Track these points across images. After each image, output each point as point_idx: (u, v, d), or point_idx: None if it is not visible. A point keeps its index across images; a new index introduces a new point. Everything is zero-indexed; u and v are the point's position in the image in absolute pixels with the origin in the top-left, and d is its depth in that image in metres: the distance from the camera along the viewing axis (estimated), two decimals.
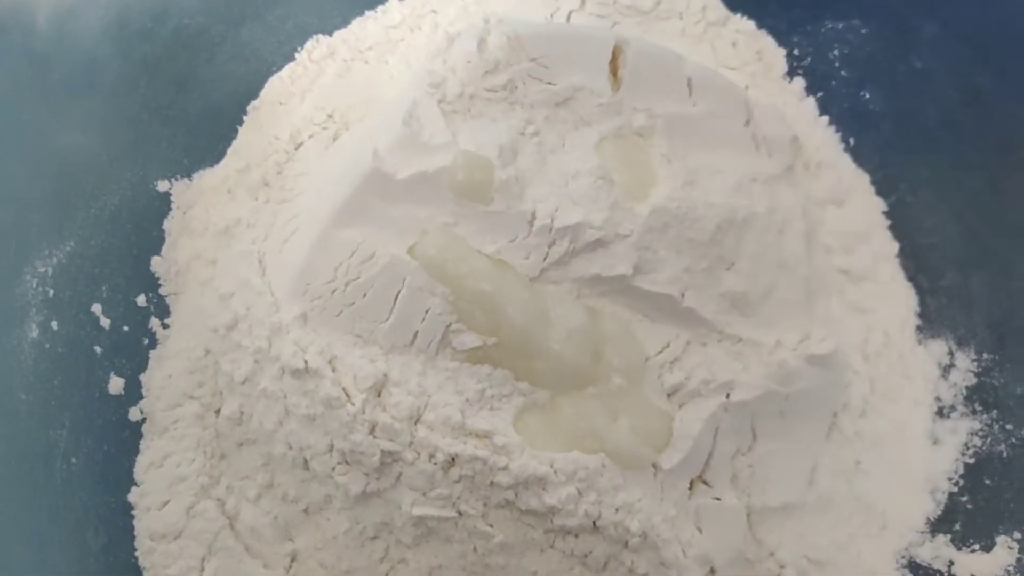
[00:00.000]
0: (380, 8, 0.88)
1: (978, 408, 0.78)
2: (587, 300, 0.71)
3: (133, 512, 0.73)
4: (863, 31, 0.85)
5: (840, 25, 0.86)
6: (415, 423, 0.67)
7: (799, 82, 0.88)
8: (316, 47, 0.86)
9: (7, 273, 0.68)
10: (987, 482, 0.74)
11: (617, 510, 0.66)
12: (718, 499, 0.71)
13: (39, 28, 0.69)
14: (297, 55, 0.86)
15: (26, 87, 0.70)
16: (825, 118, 0.87)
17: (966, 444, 0.77)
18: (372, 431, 0.66)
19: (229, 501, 0.73)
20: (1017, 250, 0.79)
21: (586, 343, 0.69)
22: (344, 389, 0.66)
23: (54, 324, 0.71)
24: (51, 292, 0.71)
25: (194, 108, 0.81)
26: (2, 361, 0.67)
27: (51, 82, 0.71)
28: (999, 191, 0.80)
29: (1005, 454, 0.74)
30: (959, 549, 0.72)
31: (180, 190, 0.81)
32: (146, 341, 0.78)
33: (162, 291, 0.80)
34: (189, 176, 0.82)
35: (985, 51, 0.79)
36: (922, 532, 0.74)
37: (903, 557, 0.74)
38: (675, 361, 0.72)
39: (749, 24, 0.88)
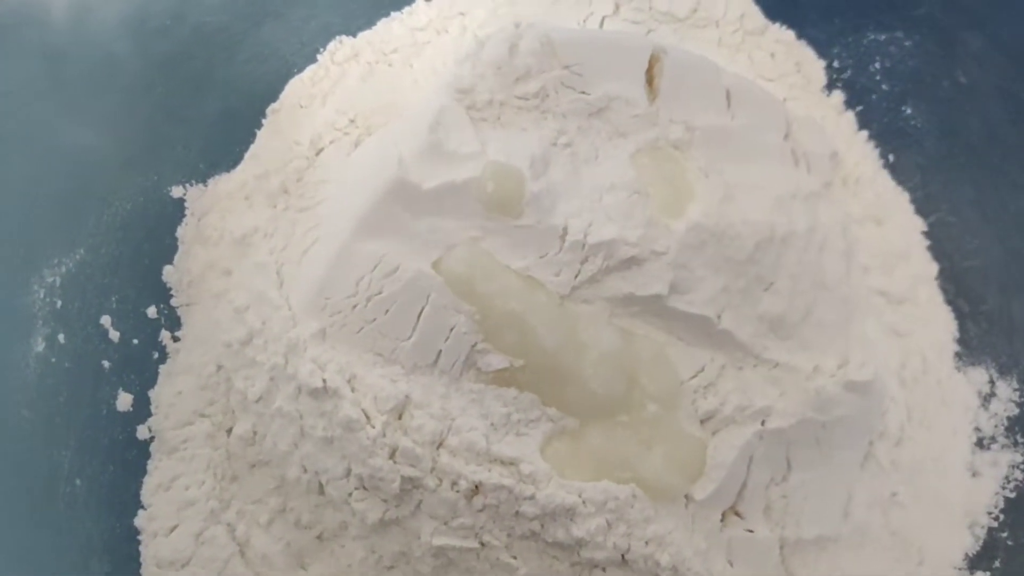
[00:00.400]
0: (406, 9, 0.85)
1: (1020, 440, 0.75)
2: (619, 320, 0.68)
3: (139, 537, 0.70)
4: (906, 44, 0.83)
5: (882, 37, 0.84)
6: (437, 448, 0.64)
7: (838, 95, 0.85)
8: (339, 48, 0.84)
9: (13, 284, 0.66)
10: None
11: (647, 543, 0.64)
12: (751, 531, 0.68)
13: (54, 22, 0.66)
14: (319, 56, 0.83)
15: (39, 84, 0.67)
16: (864, 133, 0.85)
17: (1007, 477, 0.75)
18: (392, 456, 0.63)
19: (240, 527, 0.70)
20: None
21: (619, 369, 0.66)
22: (364, 411, 0.64)
23: (61, 337, 0.68)
24: (59, 303, 0.68)
25: (211, 110, 0.78)
26: (5, 376, 0.64)
27: (65, 79, 0.68)
28: None
29: None
30: None
31: (195, 196, 0.78)
32: (156, 355, 0.75)
33: (174, 302, 0.77)
34: (204, 182, 0.79)
35: None
36: (960, 569, 0.72)
37: None
38: (709, 386, 0.69)
39: (788, 34, 0.86)
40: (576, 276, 0.66)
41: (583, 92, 0.71)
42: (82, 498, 0.66)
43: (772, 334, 0.70)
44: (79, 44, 0.68)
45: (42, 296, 0.67)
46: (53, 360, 0.67)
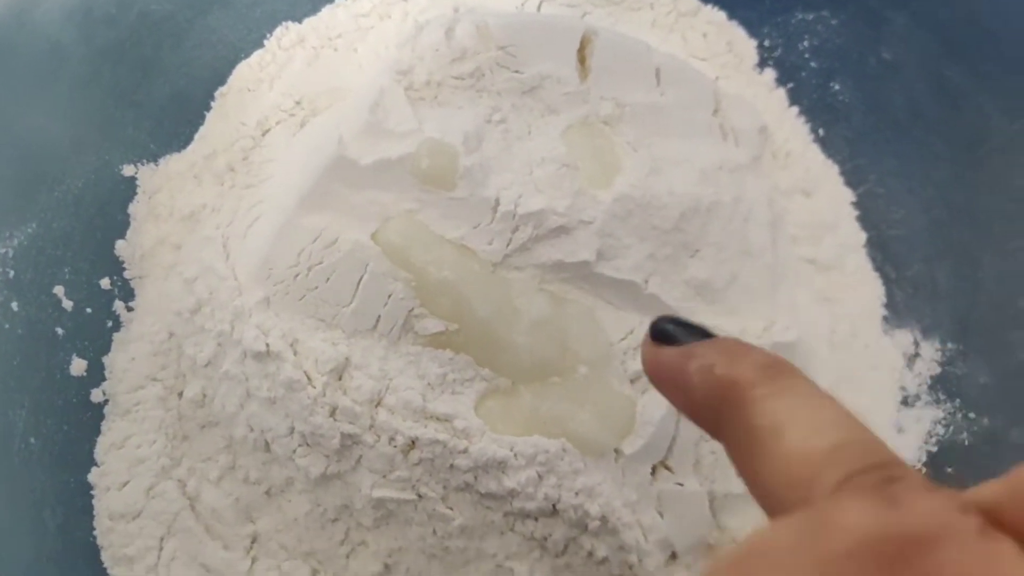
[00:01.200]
0: None
1: (941, 397, 0.78)
2: (550, 286, 0.71)
3: (92, 492, 0.73)
4: (833, 22, 0.86)
5: (810, 16, 0.87)
6: (376, 406, 0.67)
7: (770, 73, 0.88)
8: (285, 34, 0.86)
9: None
10: (948, 470, 0.75)
11: (577, 494, 0.66)
12: (680, 484, 0.71)
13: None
14: (266, 42, 0.86)
15: None
16: (795, 109, 0.88)
17: (929, 433, 0.78)
18: (332, 414, 0.66)
19: (190, 482, 0.73)
20: (982, 242, 0.80)
21: (551, 335, 0.69)
22: (305, 372, 0.67)
23: (14, 305, 0.71)
24: (11, 273, 0.71)
25: (160, 94, 0.81)
26: None
27: (12, 69, 0.71)
28: (966, 183, 0.80)
29: (967, 442, 0.75)
30: None
31: (146, 175, 0.81)
32: (109, 324, 0.78)
33: (126, 275, 0.80)
34: (155, 161, 0.82)
35: (954, 44, 0.80)
36: None
37: None
38: (638, 348, 0.71)
39: (720, 15, 0.89)
40: (508, 245, 0.69)
41: (517, 72, 0.74)
42: (36, 455, 0.69)
43: (699, 298, 0.73)
44: (26, 35, 0.71)
45: None
46: (7, 326, 0.70)
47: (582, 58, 0.76)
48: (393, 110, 0.72)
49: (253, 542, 0.72)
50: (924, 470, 0.77)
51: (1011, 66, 0.77)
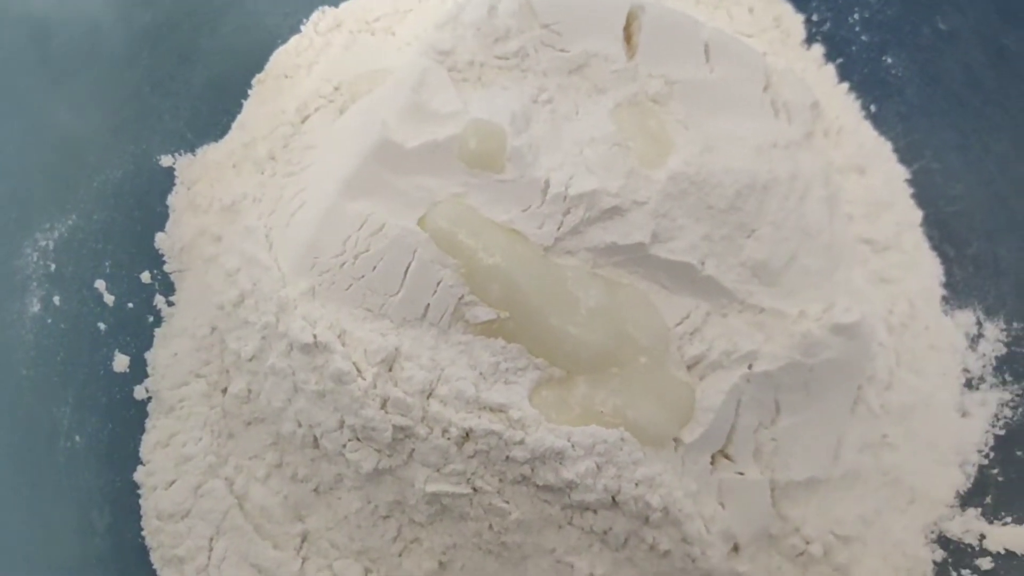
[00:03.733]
0: None
1: (1008, 379, 0.76)
2: (603, 270, 0.69)
3: (139, 491, 0.72)
4: None
5: None
6: (428, 397, 0.65)
7: (818, 48, 0.87)
8: (322, 19, 0.85)
9: (7, 246, 0.67)
10: (1019, 454, 0.72)
11: (637, 485, 0.65)
12: (741, 474, 0.69)
13: None
14: (303, 27, 0.85)
15: (25, 57, 0.68)
16: (845, 84, 0.86)
17: (996, 416, 0.75)
18: (384, 406, 0.65)
19: (238, 481, 0.72)
20: None
21: (608, 324, 0.67)
22: (354, 364, 0.65)
23: (56, 299, 0.70)
24: (53, 267, 0.70)
25: (198, 81, 0.79)
26: (3, 335, 0.66)
27: (51, 51, 0.69)
28: None
29: None
30: (991, 522, 0.71)
31: (184, 165, 0.80)
32: (151, 319, 0.77)
33: (167, 268, 0.79)
34: (193, 151, 0.81)
35: (1010, 10, 0.78)
36: (952, 506, 0.73)
37: (932, 532, 0.73)
38: (695, 332, 0.70)
39: None
40: (559, 228, 0.67)
41: (562, 50, 0.72)
42: (82, 454, 0.68)
43: (756, 280, 0.71)
44: (63, 17, 0.70)
45: (35, 259, 0.69)
46: (49, 321, 0.69)
47: (628, 35, 0.74)
48: (437, 91, 0.70)
49: (303, 541, 0.71)
50: (992, 454, 0.74)
51: None
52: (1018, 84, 0.78)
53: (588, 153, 0.69)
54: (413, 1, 0.84)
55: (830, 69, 0.86)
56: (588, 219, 0.67)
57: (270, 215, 0.73)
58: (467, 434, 0.64)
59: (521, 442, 0.64)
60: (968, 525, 0.71)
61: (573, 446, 0.64)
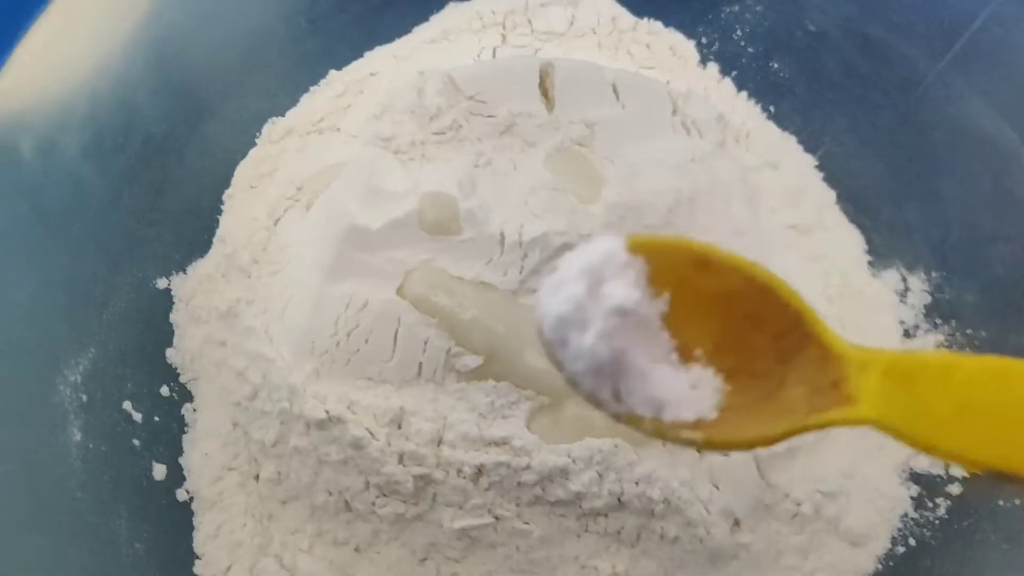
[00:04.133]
0: (323, 82, 0.93)
1: (938, 322, 0.85)
2: None
3: None
4: (757, 8, 0.94)
5: (736, 8, 0.94)
6: (438, 445, 0.72)
7: (713, 67, 0.95)
8: (273, 129, 0.91)
9: (43, 387, 0.73)
10: None
11: (637, 483, 0.71)
12: (726, 455, 0.75)
13: (25, 160, 0.74)
14: (257, 140, 0.91)
15: (21, 218, 0.75)
16: (744, 93, 0.94)
17: None
18: (401, 460, 0.71)
19: (286, 556, 0.77)
20: (938, 173, 0.86)
21: None
22: (367, 429, 0.71)
23: (93, 425, 0.75)
24: (84, 397, 0.75)
25: (175, 207, 0.85)
26: (56, 466, 0.72)
27: (43, 207, 0.76)
28: (911, 124, 0.87)
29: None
30: None
31: (179, 284, 0.86)
32: (175, 426, 0.82)
33: (182, 379, 0.84)
34: (184, 270, 0.87)
35: (868, 4, 0.88)
36: None
37: (904, 471, 0.80)
38: None
39: (657, 25, 0.95)
40: (520, 272, 0.74)
41: (490, 116, 0.79)
42: (143, 559, 0.73)
43: None
44: (50, 175, 0.76)
45: (68, 394, 0.74)
46: (91, 446, 0.74)
47: (544, 91, 0.81)
48: (388, 174, 0.77)
49: None
50: None
51: (923, 13, 0.84)
52: (888, 66, 0.88)
53: (532, 202, 0.75)
54: (350, 97, 0.90)
55: (727, 83, 0.95)
56: (544, 259, 0.74)
57: (264, 313, 0.78)
58: (480, 469, 0.71)
59: (528, 467, 0.70)
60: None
61: (574, 461, 0.70)
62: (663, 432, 0.49)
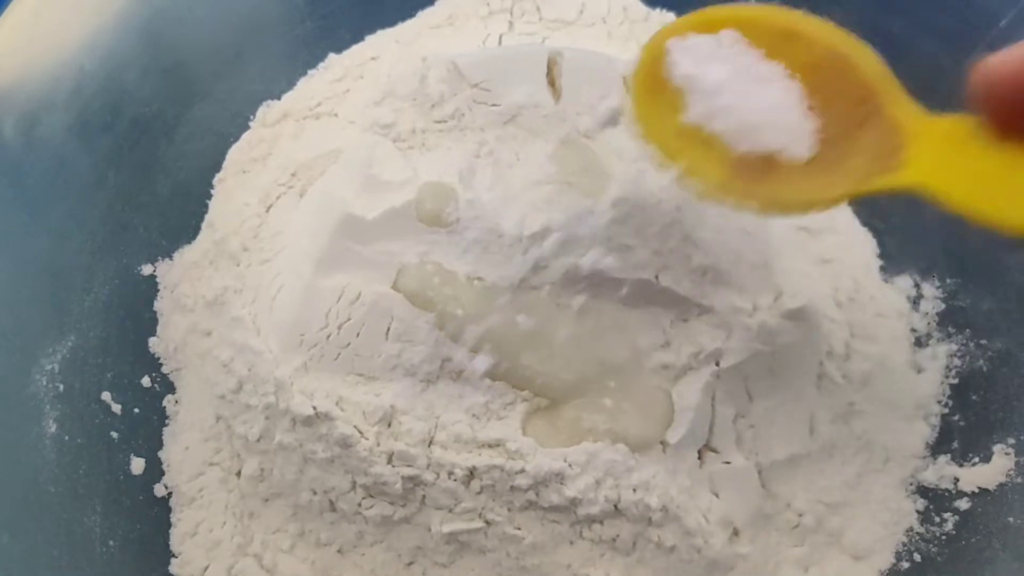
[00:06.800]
0: (321, 65, 0.91)
1: (951, 331, 0.82)
2: (568, 299, 0.73)
3: None
4: (776, 3, 0.90)
5: (752, 2, 0.90)
6: (429, 445, 0.69)
7: None
8: (268, 112, 0.89)
9: (18, 375, 0.70)
10: (974, 398, 0.78)
11: (635, 490, 0.69)
12: (728, 463, 0.74)
13: (5, 139, 0.71)
14: (251, 123, 0.89)
15: (1, 197, 0.72)
16: None
17: (947, 367, 0.81)
18: (390, 460, 0.69)
19: (266, 556, 0.74)
20: None
21: (579, 354, 0.71)
22: (356, 427, 0.69)
23: (69, 416, 0.73)
24: (61, 387, 0.73)
25: (163, 190, 0.83)
26: (28, 458, 0.69)
27: (25, 188, 0.73)
28: None
29: (984, 368, 0.78)
30: (961, 465, 0.76)
31: (164, 270, 0.84)
32: (156, 419, 0.80)
33: (164, 369, 0.82)
34: (170, 256, 0.85)
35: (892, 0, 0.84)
36: (924, 457, 0.78)
37: (911, 484, 0.78)
38: (662, 342, 0.74)
39: (669, 16, 0.92)
40: (519, 268, 0.71)
41: (494, 105, 0.77)
42: (117, 557, 0.71)
43: (709, 283, 0.76)
44: (33, 154, 0.74)
45: (44, 383, 0.72)
46: (66, 438, 0.72)
47: (551, 80, 0.79)
48: (387, 163, 0.75)
49: None
50: (950, 403, 0.79)
51: (948, 11, 0.82)
52: (909, 64, 0.82)
53: (534, 194, 0.73)
54: (349, 81, 0.88)
55: None
56: (545, 255, 0.71)
57: (253, 303, 0.76)
58: (471, 472, 0.68)
59: (522, 470, 0.68)
60: (941, 471, 0.76)
61: (571, 465, 0.68)
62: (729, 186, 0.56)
